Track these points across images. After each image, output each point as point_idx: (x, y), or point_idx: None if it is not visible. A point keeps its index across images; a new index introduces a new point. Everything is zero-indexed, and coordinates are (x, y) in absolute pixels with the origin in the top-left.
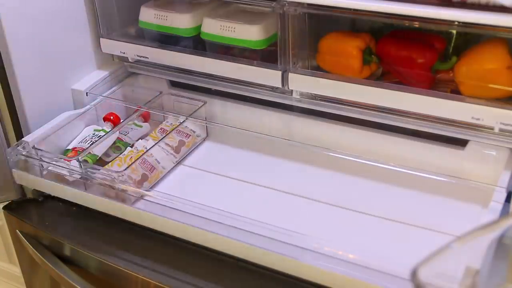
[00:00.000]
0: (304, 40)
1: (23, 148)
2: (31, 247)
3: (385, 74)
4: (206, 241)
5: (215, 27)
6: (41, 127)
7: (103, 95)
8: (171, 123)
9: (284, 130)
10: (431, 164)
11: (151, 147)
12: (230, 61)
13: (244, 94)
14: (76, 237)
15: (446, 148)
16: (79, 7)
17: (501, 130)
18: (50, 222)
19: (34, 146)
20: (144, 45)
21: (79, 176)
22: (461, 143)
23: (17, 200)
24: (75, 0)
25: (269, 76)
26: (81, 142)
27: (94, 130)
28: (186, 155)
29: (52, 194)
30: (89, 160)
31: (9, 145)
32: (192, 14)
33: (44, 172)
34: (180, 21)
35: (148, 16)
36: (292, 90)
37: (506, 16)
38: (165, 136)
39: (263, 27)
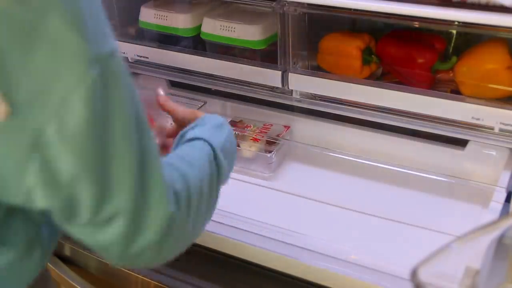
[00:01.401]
0: (304, 40)
1: None
2: None
3: (385, 74)
4: (206, 241)
5: (215, 27)
6: None
7: None
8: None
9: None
10: (431, 164)
11: None
12: (230, 61)
13: (244, 94)
14: None
15: (446, 148)
16: None
17: (501, 130)
18: None
19: None
20: (144, 45)
21: None
22: (461, 143)
23: None
24: None
25: (269, 76)
26: None
27: None
28: None
29: None
30: None
31: None
32: (192, 14)
33: None
34: (180, 21)
35: (148, 16)
36: (292, 90)
37: (506, 16)
38: None
39: (263, 27)
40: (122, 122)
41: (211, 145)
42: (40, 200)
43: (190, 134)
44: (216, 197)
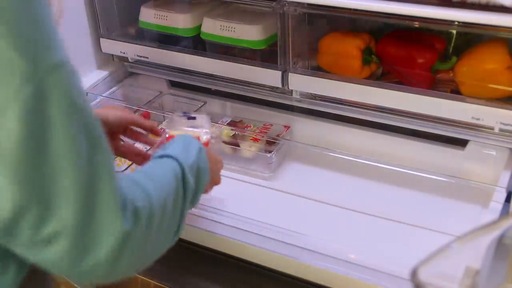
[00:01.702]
0: (304, 40)
1: None
2: None
3: (385, 74)
4: (206, 241)
5: (215, 27)
6: None
7: (103, 95)
8: None
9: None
10: (431, 164)
11: (150, 147)
12: (230, 61)
13: (244, 94)
14: None
15: (446, 148)
16: (79, 7)
17: (501, 130)
18: None
19: None
20: (144, 45)
21: None
22: (461, 143)
23: None
24: (75, 0)
25: (269, 76)
26: None
27: None
28: None
29: None
30: None
31: None
32: (192, 14)
33: None
34: (180, 21)
35: (148, 16)
36: (292, 90)
37: (506, 16)
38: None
39: (263, 27)
40: (64, 139)
41: (179, 162)
42: None
43: (160, 152)
44: (180, 216)
